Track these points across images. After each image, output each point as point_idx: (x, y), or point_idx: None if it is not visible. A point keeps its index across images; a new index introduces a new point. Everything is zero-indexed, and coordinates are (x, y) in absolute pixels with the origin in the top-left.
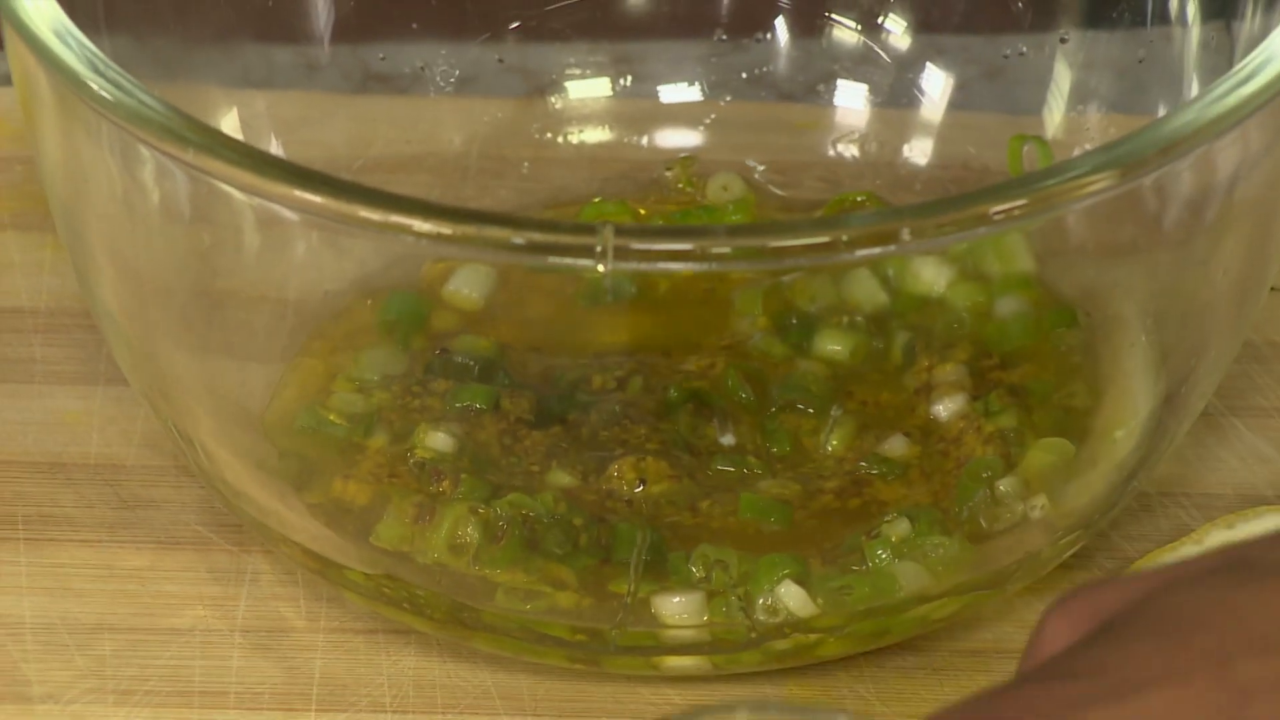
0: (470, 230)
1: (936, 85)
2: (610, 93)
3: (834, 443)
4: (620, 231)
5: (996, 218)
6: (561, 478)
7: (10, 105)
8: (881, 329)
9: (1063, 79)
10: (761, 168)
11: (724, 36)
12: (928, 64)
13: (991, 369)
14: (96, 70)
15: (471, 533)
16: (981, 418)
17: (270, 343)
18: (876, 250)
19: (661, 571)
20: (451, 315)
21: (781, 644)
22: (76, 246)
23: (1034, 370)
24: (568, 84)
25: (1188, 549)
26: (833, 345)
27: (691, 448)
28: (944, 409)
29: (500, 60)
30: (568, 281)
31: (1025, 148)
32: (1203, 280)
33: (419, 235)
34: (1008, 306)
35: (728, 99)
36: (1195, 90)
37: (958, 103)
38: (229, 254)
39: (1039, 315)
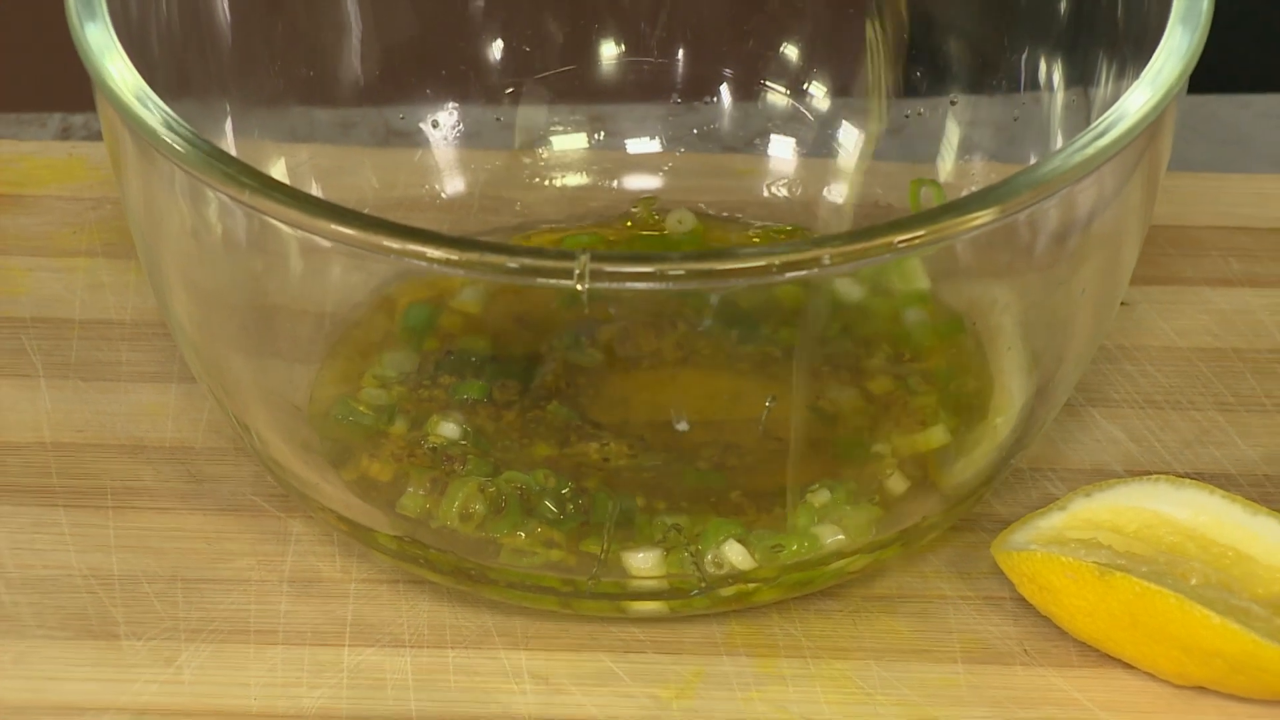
0: (473, 257)
1: (851, 139)
2: (587, 145)
3: (769, 422)
4: (595, 257)
5: (900, 246)
6: (546, 450)
7: (101, 156)
8: (811, 330)
9: (953, 134)
10: (709, 205)
11: (679, 100)
12: (844, 122)
13: (906, 359)
14: (171, 128)
15: (478, 504)
16: (905, 397)
17: (310, 347)
18: (802, 272)
19: (629, 533)
20: (457, 319)
21: (726, 591)
22: (154, 270)
23: (933, 366)
24: (552, 138)
25: (1053, 513)
26: (773, 340)
27: (648, 431)
28: (872, 389)
29: (498, 119)
30: (552, 295)
31: (923, 190)
32: (1065, 297)
33: (432, 261)
34: (911, 316)
35: (682, 150)
36: (1060, 143)
37: (868, 153)
38: (277, 276)
39: (934, 323)
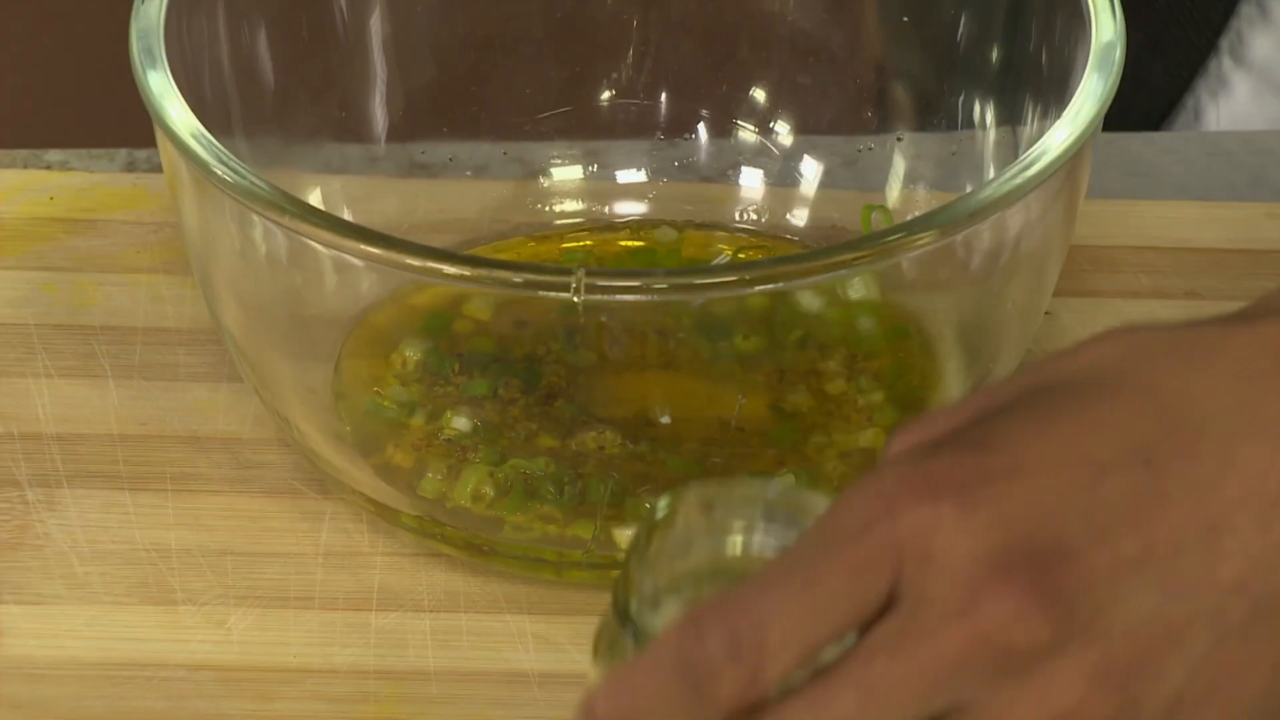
0: (483, 273)
1: (811, 171)
2: (582, 176)
3: (740, 418)
4: (589, 273)
5: (854, 262)
6: (547, 440)
7: (162, 186)
8: (777, 335)
9: (899, 166)
10: (689, 228)
11: (662, 137)
12: (805, 155)
13: (859, 361)
14: (221, 162)
15: (487, 487)
16: (858, 395)
17: (341, 351)
18: (769, 286)
19: (620, 511)
20: (468, 324)
21: None
22: (207, 285)
23: (882, 367)
24: (553, 169)
25: None
26: (743, 345)
27: (635, 424)
28: (829, 388)
29: (505, 153)
30: (551, 305)
31: (873, 214)
32: (997, 308)
33: (448, 276)
34: (863, 324)
35: (665, 180)
36: (992, 174)
37: (826, 183)
38: (314, 290)
39: (883, 329)
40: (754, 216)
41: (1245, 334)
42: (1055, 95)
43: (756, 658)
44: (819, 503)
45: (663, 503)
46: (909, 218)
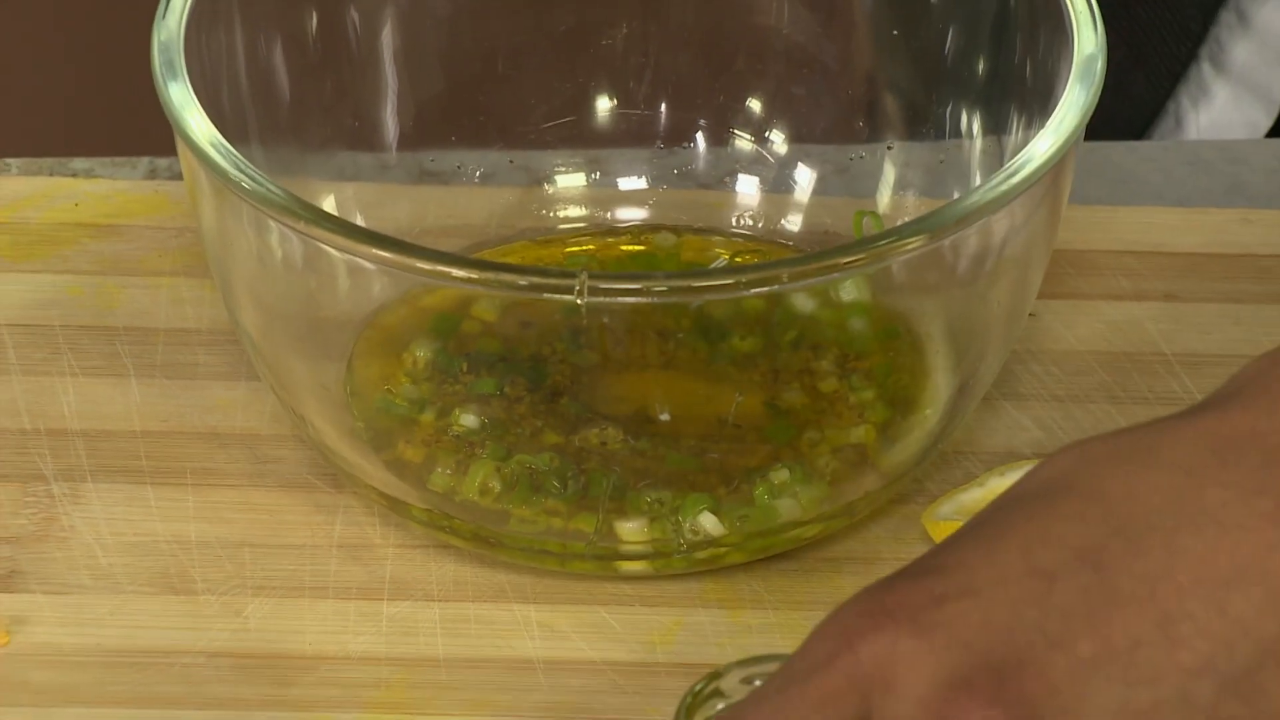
0: (490, 276)
1: (805, 178)
2: (585, 183)
3: (736, 415)
4: (592, 276)
5: (845, 266)
6: (551, 437)
7: (182, 193)
8: (772, 336)
9: (889, 174)
10: (687, 233)
11: (661, 145)
12: (799, 163)
13: (851, 360)
14: (239, 170)
15: (494, 482)
16: (849, 392)
17: (354, 350)
18: (764, 289)
19: (620, 505)
20: (476, 325)
21: (701, 554)
22: (225, 287)
23: (873, 366)
24: (557, 177)
25: (973, 489)
26: (740, 345)
27: (636, 421)
28: (822, 386)
29: (511, 161)
30: (555, 307)
31: (864, 220)
32: (983, 309)
33: (457, 279)
34: (855, 325)
35: (665, 187)
36: (978, 181)
37: (819, 190)
38: (328, 292)
39: (874, 330)
40: (750, 222)
41: (1185, 429)
42: (1039, 106)
43: None
44: None
45: (703, 683)
46: (899, 223)
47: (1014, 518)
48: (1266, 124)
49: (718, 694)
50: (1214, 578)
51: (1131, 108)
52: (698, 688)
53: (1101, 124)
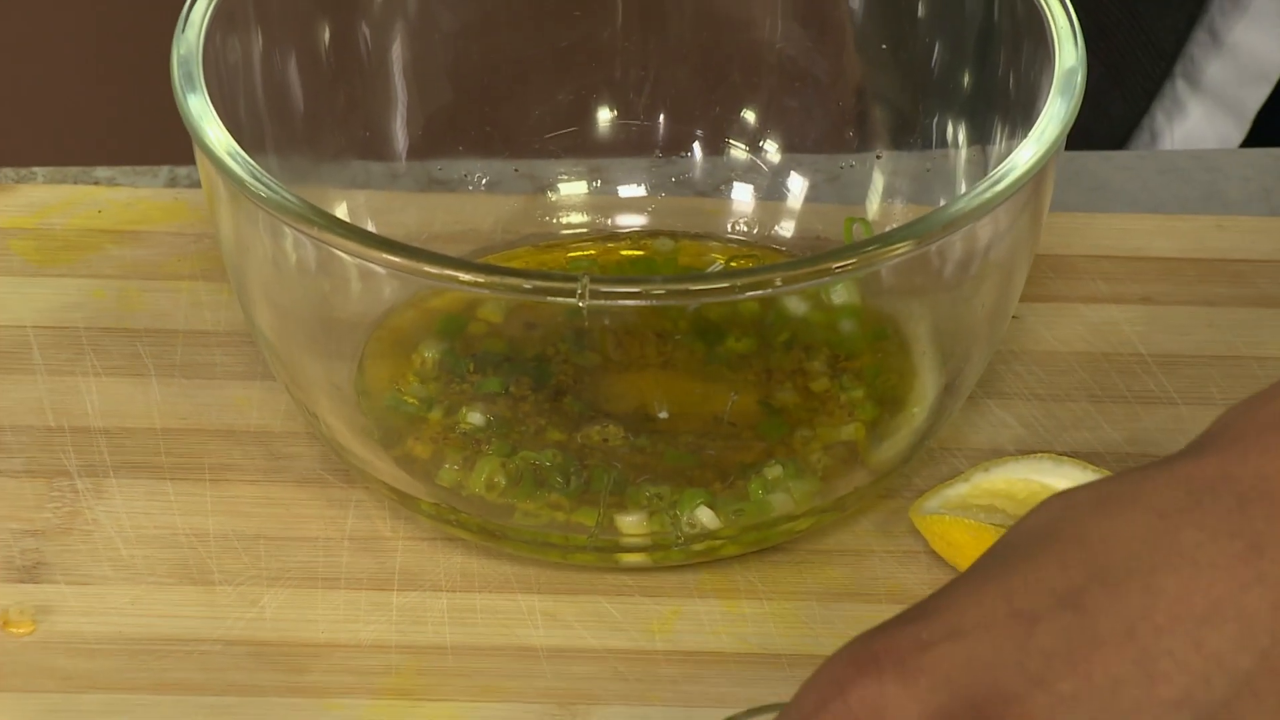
0: (495, 280)
1: (797, 186)
2: (587, 191)
3: (732, 413)
4: (593, 280)
5: (836, 270)
6: (554, 434)
7: (201, 200)
8: (766, 337)
9: (878, 182)
10: (685, 239)
11: (660, 155)
12: (792, 172)
13: (841, 361)
14: (255, 178)
15: (500, 477)
16: (840, 392)
17: (365, 350)
18: (758, 292)
19: (621, 499)
20: (482, 326)
21: (698, 546)
22: (241, 291)
23: (862, 366)
24: (560, 185)
25: (958, 484)
26: (735, 346)
27: (636, 419)
28: (814, 386)
29: (516, 170)
30: (558, 309)
31: (854, 225)
32: (968, 312)
33: (464, 283)
34: (845, 326)
35: (663, 195)
36: (963, 189)
37: (811, 197)
38: (340, 295)
39: (864, 331)
40: (745, 228)
41: (1163, 475)
42: (1022, 117)
43: None
44: None
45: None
46: (887, 229)
47: (1000, 565)
48: (1238, 138)
49: None
50: (1190, 615)
51: (1110, 126)
52: None
53: (1082, 142)
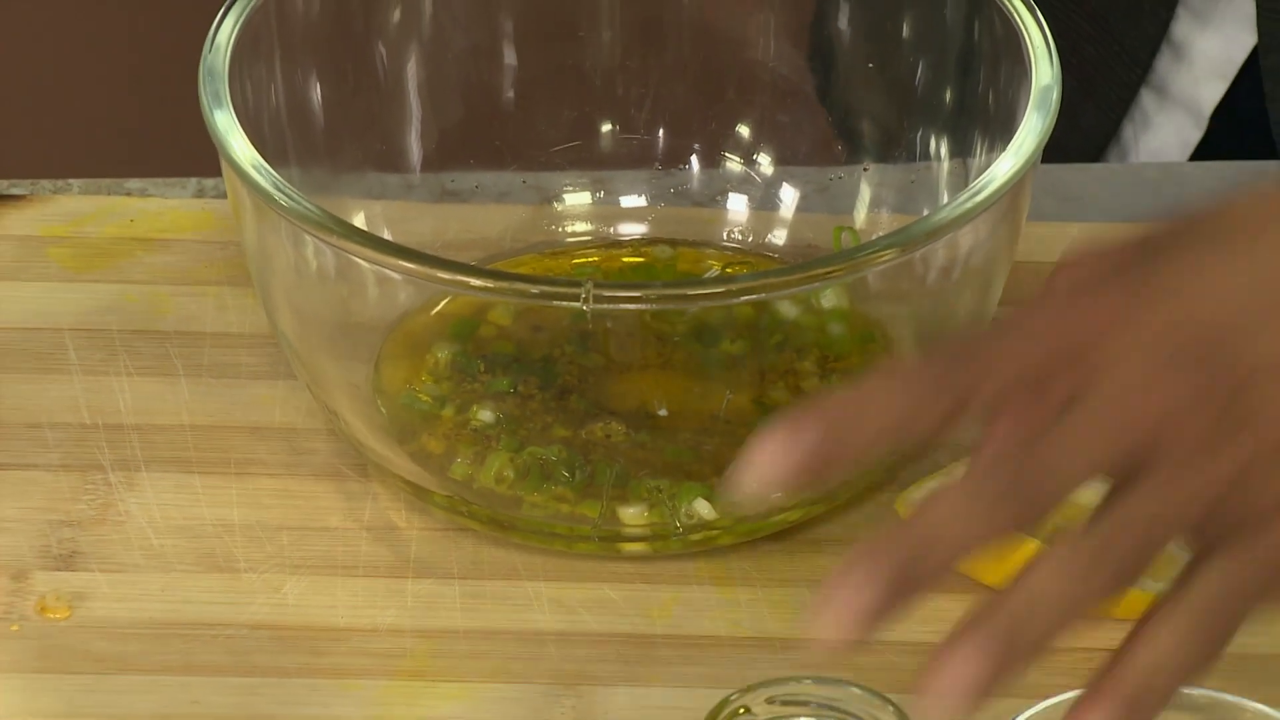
0: (504, 285)
1: (789, 196)
2: (591, 201)
3: (727, 411)
4: (597, 285)
5: (826, 276)
6: (560, 430)
7: (227, 210)
8: (759, 339)
9: (865, 193)
10: (683, 246)
11: (659, 167)
12: (784, 183)
13: (830, 362)
14: (279, 189)
15: (509, 471)
16: (830, 391)
17: (381, 352)
18: (752, 296)
19: (623, 492)
20: (491, 329)
21: (695, 536)
22: (265, 296)
23: (850, 367)
24: (565, 195)
25: (941, 477)
26: (730, 347)
27: (637, 416)
28: (805, 385)
29: (524, 182)
30: (564, 313)
31: (843, 234)
32: (950, 316)
33: (474, 288)
34: (834, 329)
35: (662, 204)
36: (945, 200)
37: (802, 207)
38: (358, 299)
39: (852, 334)
40: (740, 236)
41: None
42: (1001, 131)
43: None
44: (869, 699)
45: (732, 696)
46: (874, 237)
47: (1217, 244)
48: (1197, 136)
49: (747, 712)
50: None
51: (1083, 139)
52: (725, 712)
53: (1057, 154)
